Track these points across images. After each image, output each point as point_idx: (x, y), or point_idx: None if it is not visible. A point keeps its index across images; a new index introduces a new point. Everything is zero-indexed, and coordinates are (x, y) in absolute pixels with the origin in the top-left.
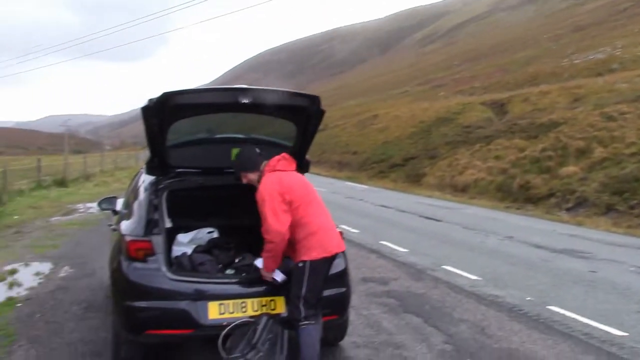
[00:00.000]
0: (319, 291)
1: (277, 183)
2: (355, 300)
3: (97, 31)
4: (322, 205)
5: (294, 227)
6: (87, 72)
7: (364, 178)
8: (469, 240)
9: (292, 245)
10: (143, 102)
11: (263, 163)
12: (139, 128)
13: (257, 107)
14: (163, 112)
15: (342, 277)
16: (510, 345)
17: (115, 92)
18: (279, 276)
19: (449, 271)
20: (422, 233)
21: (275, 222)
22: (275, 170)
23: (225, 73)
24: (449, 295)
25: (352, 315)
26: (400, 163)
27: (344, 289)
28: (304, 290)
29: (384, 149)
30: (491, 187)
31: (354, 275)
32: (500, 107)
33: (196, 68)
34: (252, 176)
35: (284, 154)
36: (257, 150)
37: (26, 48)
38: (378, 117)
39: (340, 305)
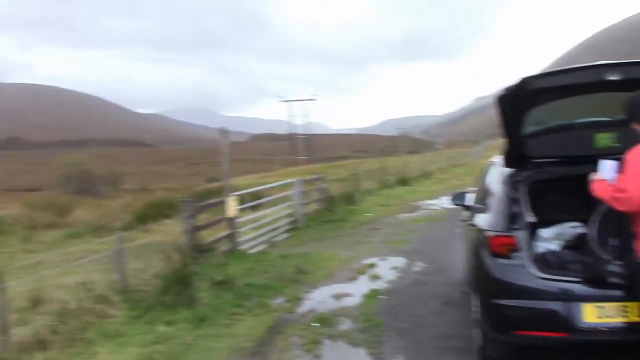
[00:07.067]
0: None
1: None
2: None
3: (418, 32)
4: None
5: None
6: (415, 75)
7: None
8: None
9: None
10: (496, 92)
11: None
12: (468, 125)
13: (628, 84)
14: (520, 98)
15: None
16: None
17: (443, 91)
18: None
19: None
20: None
21: (634, 184)
22: None
23: (555, 61)
24: None
25: None
26: None
27: None
28: None
29: None
30: None
31: None
32: None
33: (522, 59)
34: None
35: None
36: None
37: (358, 59)
38: None
39: None
